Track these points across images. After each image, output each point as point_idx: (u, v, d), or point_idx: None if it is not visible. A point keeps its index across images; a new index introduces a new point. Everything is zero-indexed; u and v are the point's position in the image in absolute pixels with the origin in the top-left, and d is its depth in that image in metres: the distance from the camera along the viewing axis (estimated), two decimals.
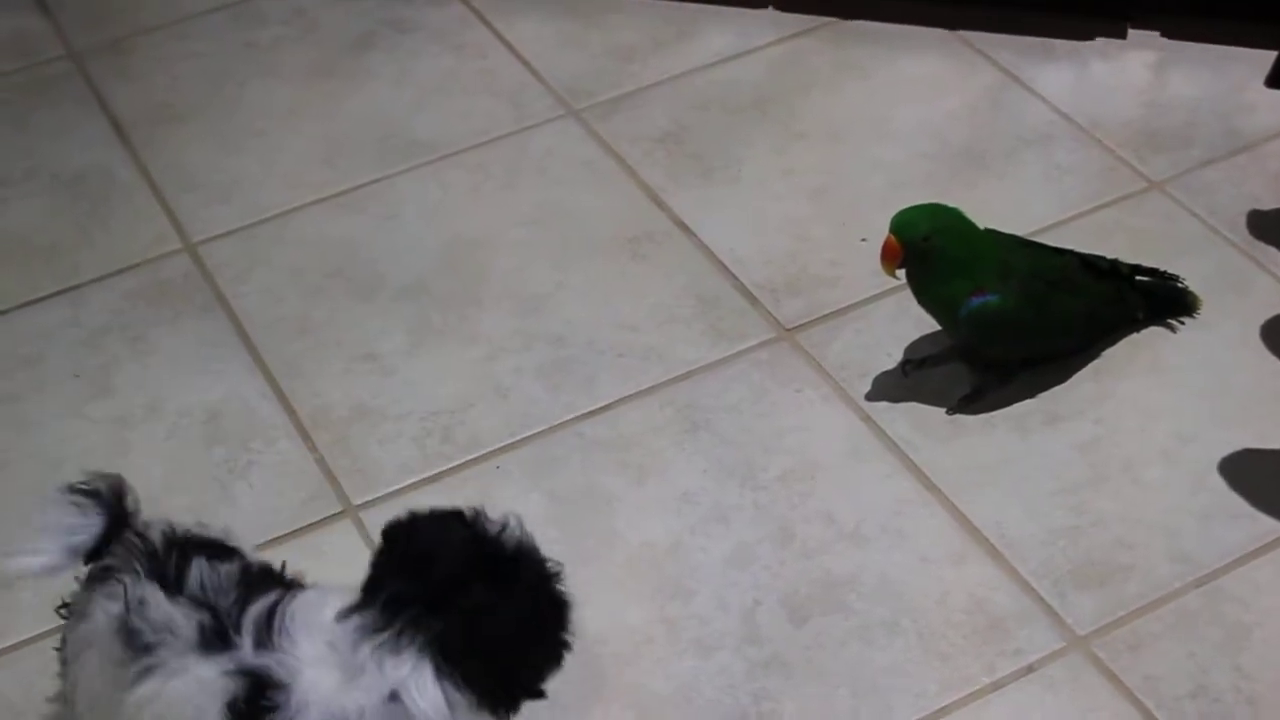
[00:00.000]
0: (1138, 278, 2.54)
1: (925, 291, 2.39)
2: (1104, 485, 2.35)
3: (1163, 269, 2.57)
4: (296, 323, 2.64)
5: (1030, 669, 2.14)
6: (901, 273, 2.39)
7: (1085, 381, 2.49)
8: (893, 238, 2.33)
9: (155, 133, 3.02)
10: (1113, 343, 2.53)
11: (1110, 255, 2.53)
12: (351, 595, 1.72)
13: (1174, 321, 2.56)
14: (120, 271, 2.75)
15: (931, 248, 2.33)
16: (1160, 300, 2.56)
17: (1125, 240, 2.63)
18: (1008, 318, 2.36)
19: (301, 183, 2.90)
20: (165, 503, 2.32)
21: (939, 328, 2.49)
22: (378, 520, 2.27)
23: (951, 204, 2.38)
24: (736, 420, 2.46)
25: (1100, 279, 2.48)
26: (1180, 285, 2.57)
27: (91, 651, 1.78)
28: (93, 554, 1.83)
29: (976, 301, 2.34)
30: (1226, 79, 3.00)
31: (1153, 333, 2.55)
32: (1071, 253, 2.49)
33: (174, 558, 1.76)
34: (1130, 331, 2.55)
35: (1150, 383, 2.49)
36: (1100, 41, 3.10)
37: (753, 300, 2.64)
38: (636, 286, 2.68)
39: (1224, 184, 2.80)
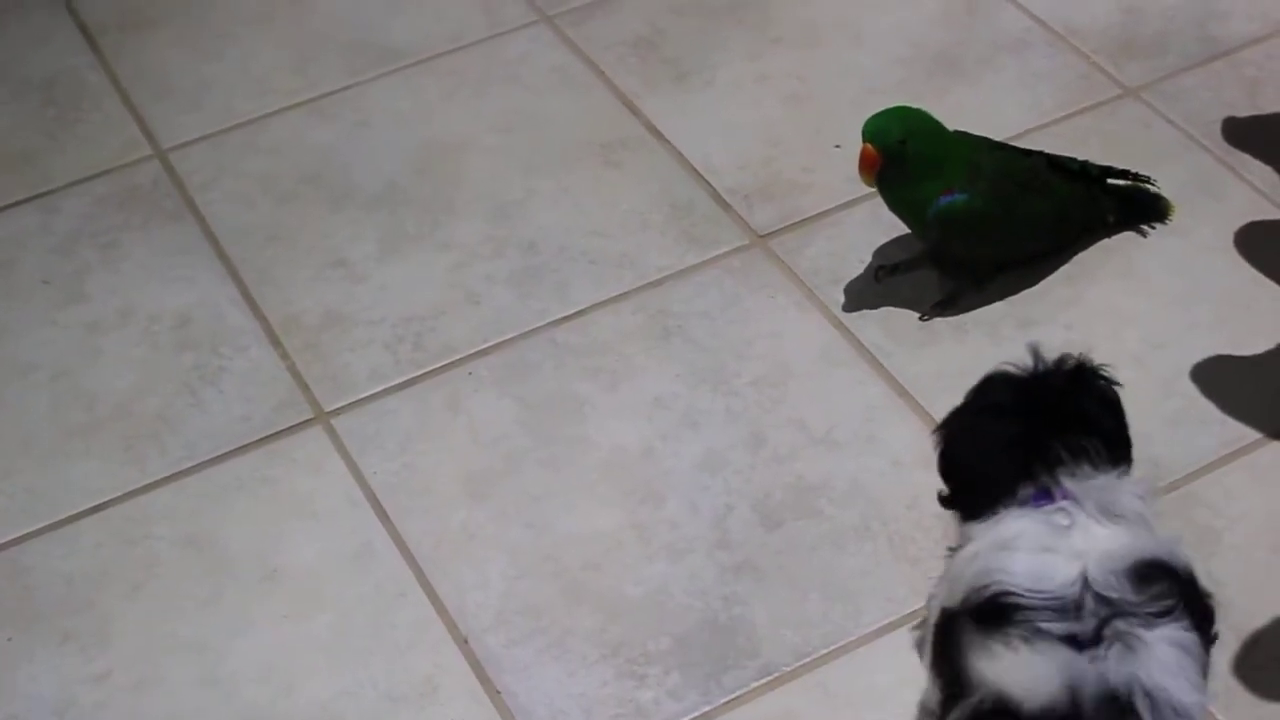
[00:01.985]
0: (1109, 181, 2.54)
1: (896, 195, 2.38)
2: None
3: (1134, 170, 2.55)
4: (267, 229, 2.63)
5: None
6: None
7: (1057, 286, 2.49)
8: (870, 146, 2.32)
9: (125, 38, 2.99)
10: (1084, 247, 2.53)
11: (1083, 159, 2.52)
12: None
13: (1146, 226, 2.56)
14: (91, 178, 2.73)
15: (906, 151, 2.32)
16: (1132, 204, 2.56)
17: (1100, 147, 2.62)
18: (976, 216, 2.35)
19: (272, 89, 2.87)
20: (136, 408, 2.33)
21: (911, 234, 2.48)
22: (349, 426, 2.31)
23: (928, 110, 2.36)
24: (709, 326, 2.45)
25: (1070, 180, 2.48)
26: (1153, 189, 2.57)
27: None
28: None
29: (945, 200, 2.34)
30: None
31: (1125, 238, 2.55)
32: (1040, 154, 2.49)
33: None
34: (1102, 235, 2.55)
35: (1123, 288, 2.49)
36: None
37: (725, 206, 2.63)
38: (609, 193, 2.66)
39: (1200, 90, 2.79)
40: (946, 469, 1.82)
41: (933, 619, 1.74)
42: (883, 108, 2.38)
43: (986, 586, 1.62)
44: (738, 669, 2.07)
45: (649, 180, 2.68)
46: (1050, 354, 1.79)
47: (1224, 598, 2.05)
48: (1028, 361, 1.78)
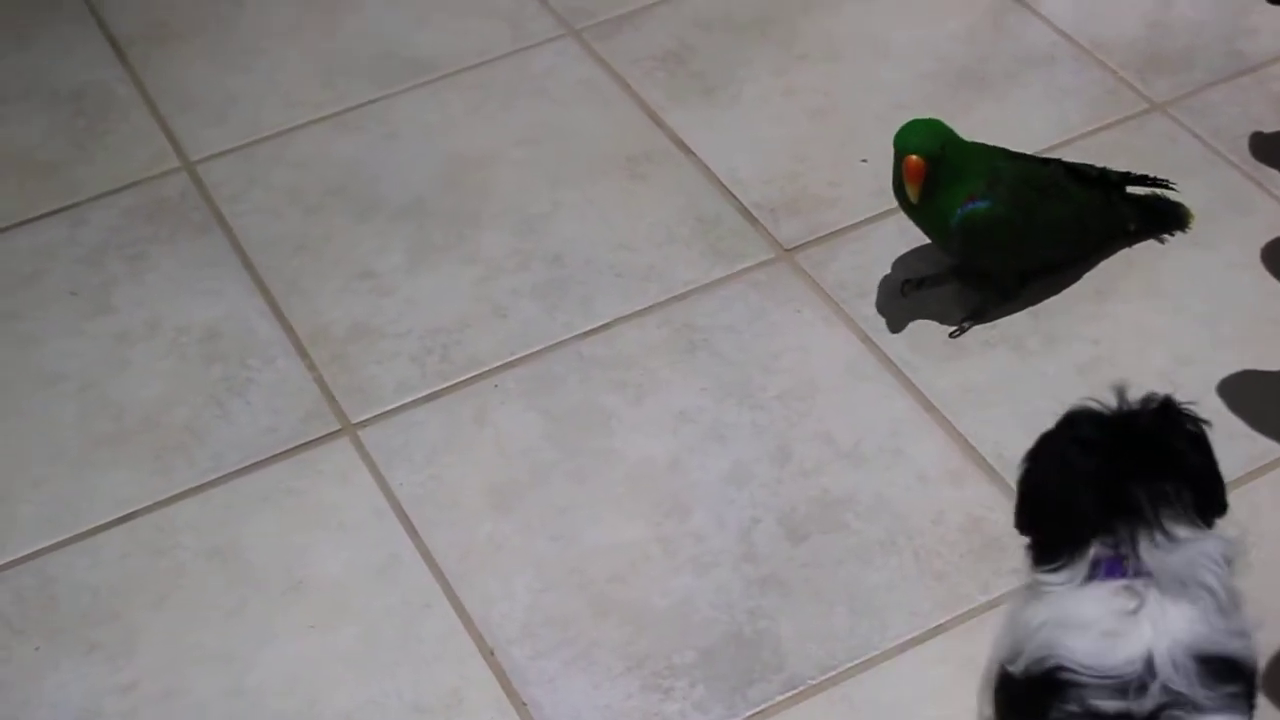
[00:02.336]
0: (1129, 189, 2.54)
1: (924, 206, 2.37)
2: None
3: (1152, 175, 2.55)
4: (295, 241, 2.64)
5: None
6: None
7: (1083, 302, 2.49)
8: (915, 158, 2.31)
9: (153, 51, 3.00)
10: (1106, 255, 2.53)
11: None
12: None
13: (1166, 235, 2.56)
14: (119, 190, 2.74)
15: (943, 160, 2.31)
16: (1152, 212, 2.56)
17: (1127, 162, 2.61)
18: (997, 223, 2.35)
19: (300, 102, 2.88)
20: (163, 419, 2.34)
21: (937, 249, 2.48)
22: (375, 438, 2.31)
23: (952, 125, 2.36)
24: (735, 340, 2.46)
25: (1088, 187, 2.48)
26: (1172, 194, 2.57)
27: None
28: None
29: (968, 208, 2.34)
30: (1229, 1, 2.98)
31: (1152, 253, 2.55)
32: (1058, 161, 2.49)
33: None
34: (1123, 244, 2.55)
35: (1149, 304, 2.49)
36: None
37: (752, 220, 2.63)
38: (635, 206, 2.67)
39: (1226, 106, 2.79)
40: (1023, 506, 1.78)
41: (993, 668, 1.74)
42: (906, 120, 2.38)
43: (1046, 659, 1.61)
44: (763, 682, 2.07)
45: (675, 194, 2.68)
46: (1134, 392, 1.75)
47: (1252, 615, 2.05)
48: (1110, 399, 1.74)
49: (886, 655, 2.09)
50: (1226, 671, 1.59)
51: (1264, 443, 2.30)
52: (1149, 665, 1.57)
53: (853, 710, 2.04)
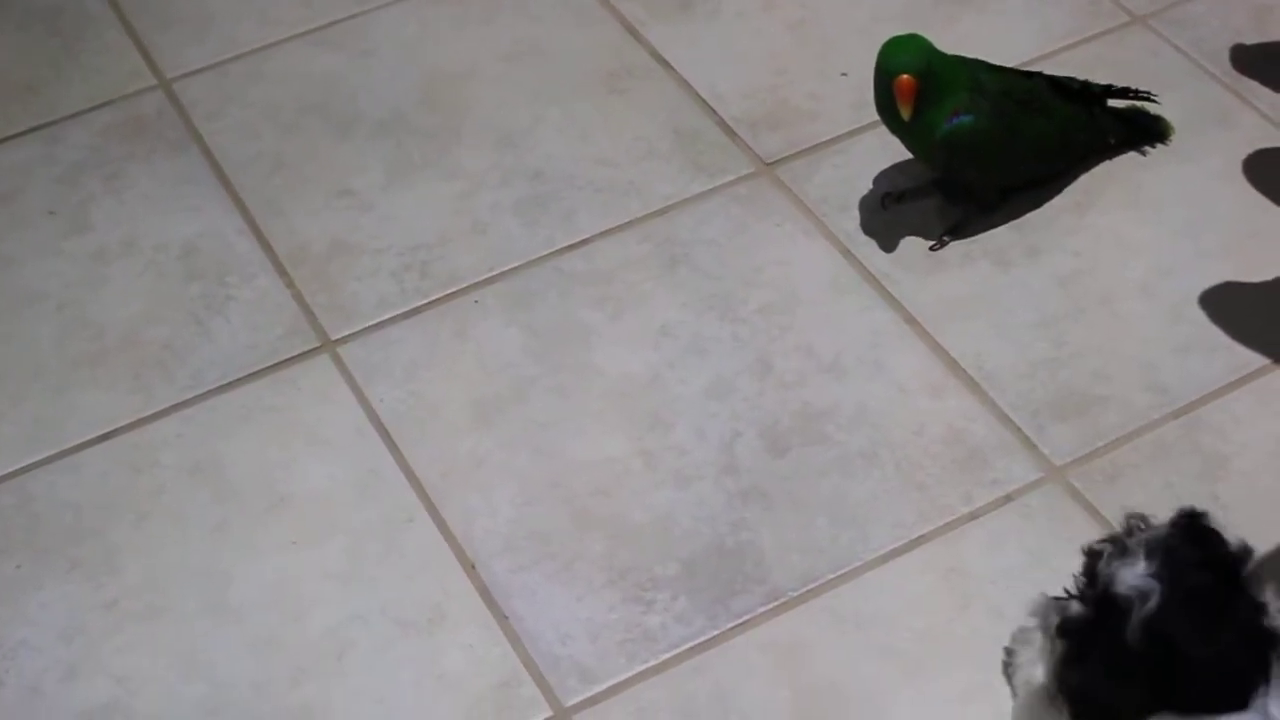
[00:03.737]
0: (1110, 102, 2.53)
1: (909, 122, 2.35)
2: (1083, 317, 2.35)
3: (1135, 87, 2.54)
4: (273, 159, 2.62)
5: (1008, 499, 2.15)
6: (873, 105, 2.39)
7: (1064, 214, 2.48)
8: (907, 78, 2.29)
9: None
10: (1087, 169, 2.53)
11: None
12: None
13: (1147, 148, 2.56)
14: (95, 108, 2.72)
15: (928, 77, 2.30)
16: (1133, 125, 2.56)
17: (1108, 75, 2.60)
18: (981, 138, 2.34)
19: (277, 19, 2.86)
20: (142, 337, 2.33)
21: (918, 163, 2.48)
22: (356, 354, 2.31)
23: (933, 39, 2.35)
24: (715, 254, 2.45)
25: (1070, 101, 2.47)
26: (1153, 107, 2.58)
27: None
28: None
29: (952, 122, 2.33)
30: None
31: (1133, 165, 2.54)
32: (1040, 75, 2.48)
33: None
34: (1104, 157, 2.54)
35: (1130, 216, 2.48)
36: None
37: (732, 135, 2.62)
38: (615, 122, 2.65)
39: (1208, 18, 2.78)
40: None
41: None
42: (888, 36, 2.36)
43: None
44: (745, 594, 2.07)
45: (655, 109, 2.67)
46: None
47: (1232, 523, 2.06)
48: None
49: (869, 566, 2.10)
50: None
51: (1244, 353, 2.30)
52: None
53: (836, 621, 2.05)
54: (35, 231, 2.53)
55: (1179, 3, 2.80)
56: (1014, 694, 1.92)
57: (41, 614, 2.08)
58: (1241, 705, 1.60)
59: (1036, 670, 1.78)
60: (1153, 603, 1.62)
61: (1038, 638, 1.79)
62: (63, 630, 2.07)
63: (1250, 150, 2.56)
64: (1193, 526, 1.72)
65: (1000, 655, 1.97)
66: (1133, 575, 1.65)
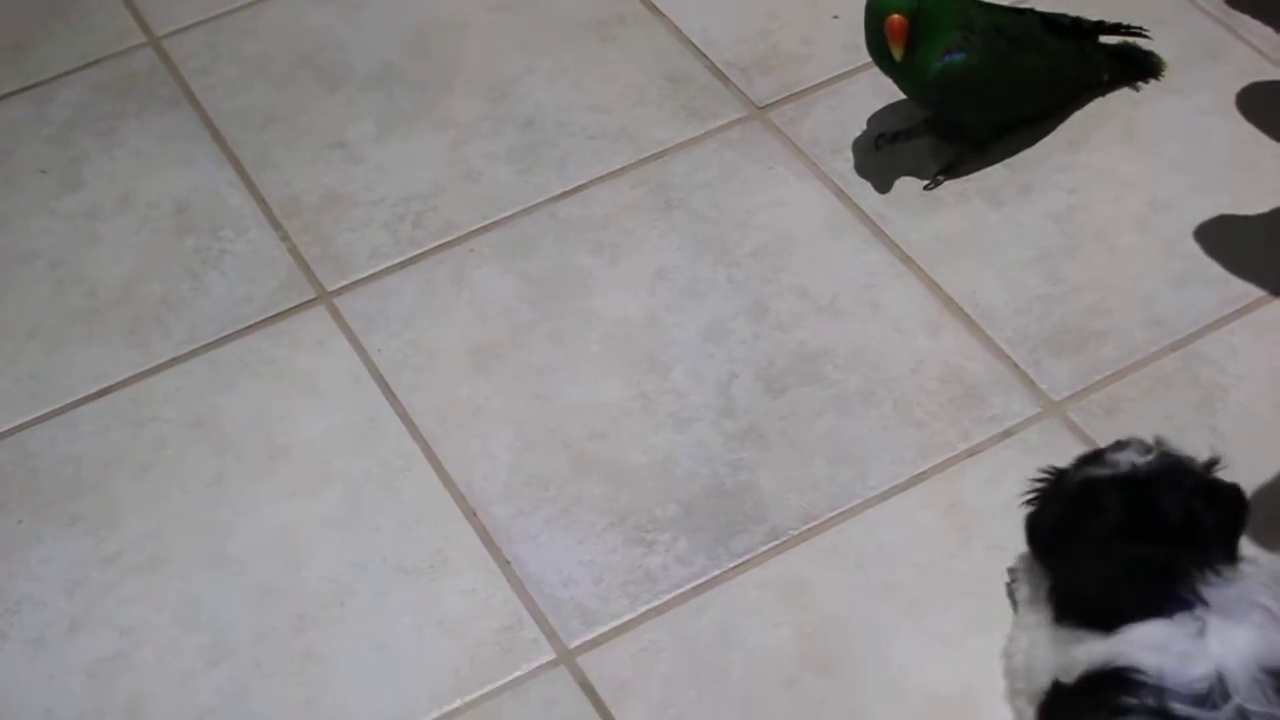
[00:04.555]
0: (1101, 38, 2.52)
1: (902, 61, 2.34)
2: (1078, 253, 2.35)
3: (1126, 23, 2.54)
4: (264, 113, 2.62)
5: (1006, 434, 2.16)
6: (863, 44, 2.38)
7: (1058, 151, 2.48)
8: (898, 18, 2.27)
9: None
10: (1080, 106, 2.52)
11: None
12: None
13: (1140, 84, 2.55)
14: (85, 67, 2.71)
15: (920, 15, 2.29)
16: (1125, 61, 2.55)
17: (1099, 12, 2.58)
18: (973, 75, 2.34)
19: None
20: (138, 292, 2.33)
21: (911, 103, 2.47)
22: (351, 305, 2.31)
23: None
24: (709, 198, 2.45)
25: (1062, 37, 2.46)
26: (1145, 43, 2.57)
27: None
28: None
29: (944, 60, 2.32)
30: None
31: (1126, 101, 2.54)
32: (1031, 11, 2.48)
33: None
34: (1096, 94, 2.54)
35: (1124, 151, 2.48)
36: None
37: (724, 79, 2.62)
38: (606, 69, 2.65)
39: None
40: (1065, 589, 1.77)
41: (1030, 686, 1.75)
42: None
43: (1113, 662, 1.61)
44: (745, 534, 2.08)
45: (646, 55, 2.66)
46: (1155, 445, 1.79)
47: (1230, 453, 2.06)
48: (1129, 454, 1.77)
49: (868, 504, 2.10)
50: None
51: (1239, 285, 2.30)
52: (1222, 682, 1.57)
53: (836, 559, 2.05)
54: (28, 190, 2.53)
55: None
56: (1015, 610, 1.92)
57: (43, 568, 2.09)
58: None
59: (1040, 587, 1.80)
60: (1127, 468, 1.75)
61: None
62: (65, 584, 2.07)
63: (1242, 84, 2.56)
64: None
65: (1001, 588, 1.98)
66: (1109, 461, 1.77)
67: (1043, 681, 1.70)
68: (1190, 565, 1.64)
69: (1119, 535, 1.72)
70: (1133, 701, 1.58)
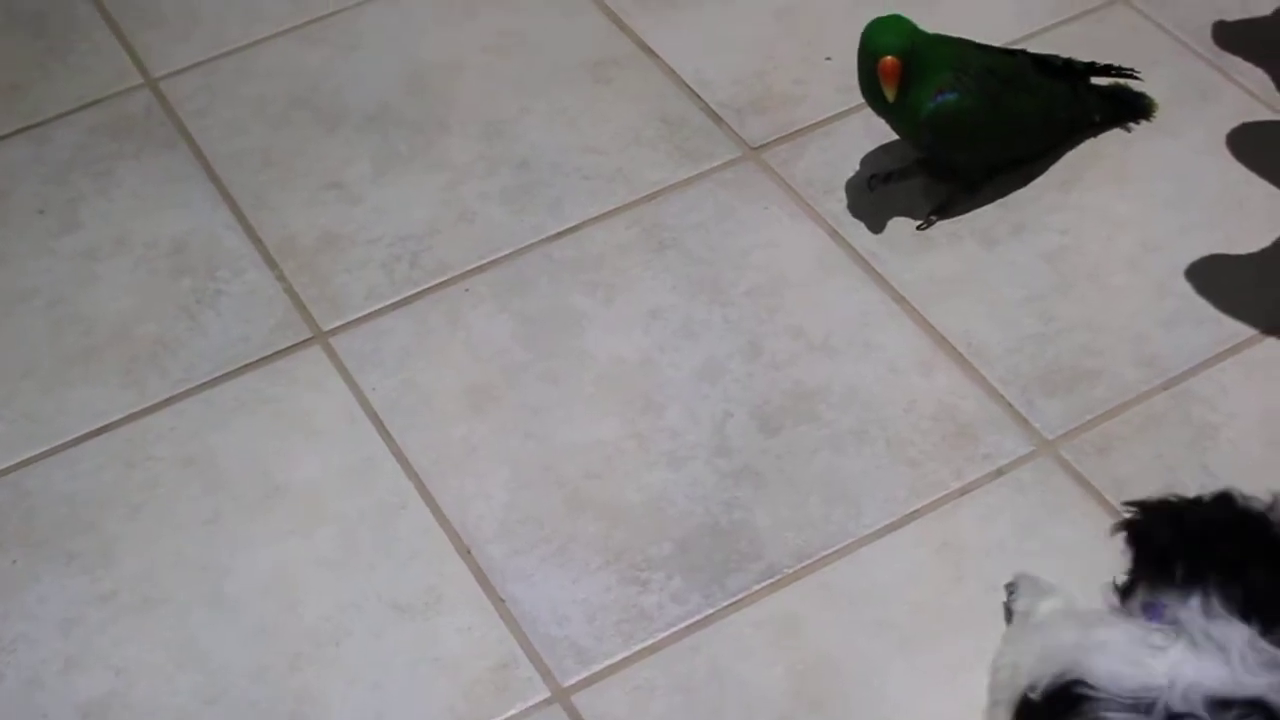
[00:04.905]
0: (1093, 79, 2.54)
1: (895, 102, 2.35)
2: (1070, 293, 2.36)
3: (1117, 65, 2.55)
4: (261, 154, 2.63)
5: (999, 473, 2.16)
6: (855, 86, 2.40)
7: (1050, 191, 2.49)
8: (891, 59, 2.29)
9: None
10: (1072, 147, 2.54)
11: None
12: None
13: (1132, 124, 2.57)
14: (83, 108, 2.72)
15: (912, 56, 2.30)
16: (1117, 102, 2.57)
17: (1091, 53, 2.60)
18: (966, 115, 2.35)
19: (263, 16, 2.86)
20: (134, 332, 2.34)
21: (904, 144, 2.49)
22: (347, 345, 2.32)
23: (918, 21, 2.35)
24: (704, 238, 2.46)
25: (1054, 79, 2.48)
26: (1136, 84, 2.59)
27: None
28: None
29: (937, 100, 2.33)
30: None
31: (1118, 142, 2.55)
32: (1023, 53, 2.49)
33: None
34: (1088, 135, 2.55)
35: (1116, 192, 2.49)
36: None
37: (718, 120, 2.63)
38: (601, 110, 2.66)
39: None
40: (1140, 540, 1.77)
41: (1012, 686, 1.75)
42: (871, 19, 2.36)
43: (1066, 675, 1.62)
44: (740, 572, 2.08)
45: (641, 97, 2.68)
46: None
47: None
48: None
49: (862, 542, 2.11)
50: (1246, 711, 1.58)
51: (1231, 325, 2.31)
52: (1163, 700, 1.57)
53: (830, 596, 2.06)
54: (26, 230, 2.54)
55: None
56: (1009, 621, 1.95)
57: (39, 607, 2.09)
58: None
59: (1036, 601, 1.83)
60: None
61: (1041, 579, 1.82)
62: (60, 623, 2.08)
63: (1233, 125, 2.58)
64: None
65: (994, 625, 1.98)
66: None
67: (1022, 683, 1.71)
68: (1187, 586, 1.64)
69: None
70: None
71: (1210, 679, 1.58)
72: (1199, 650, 1.60)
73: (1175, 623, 1.61)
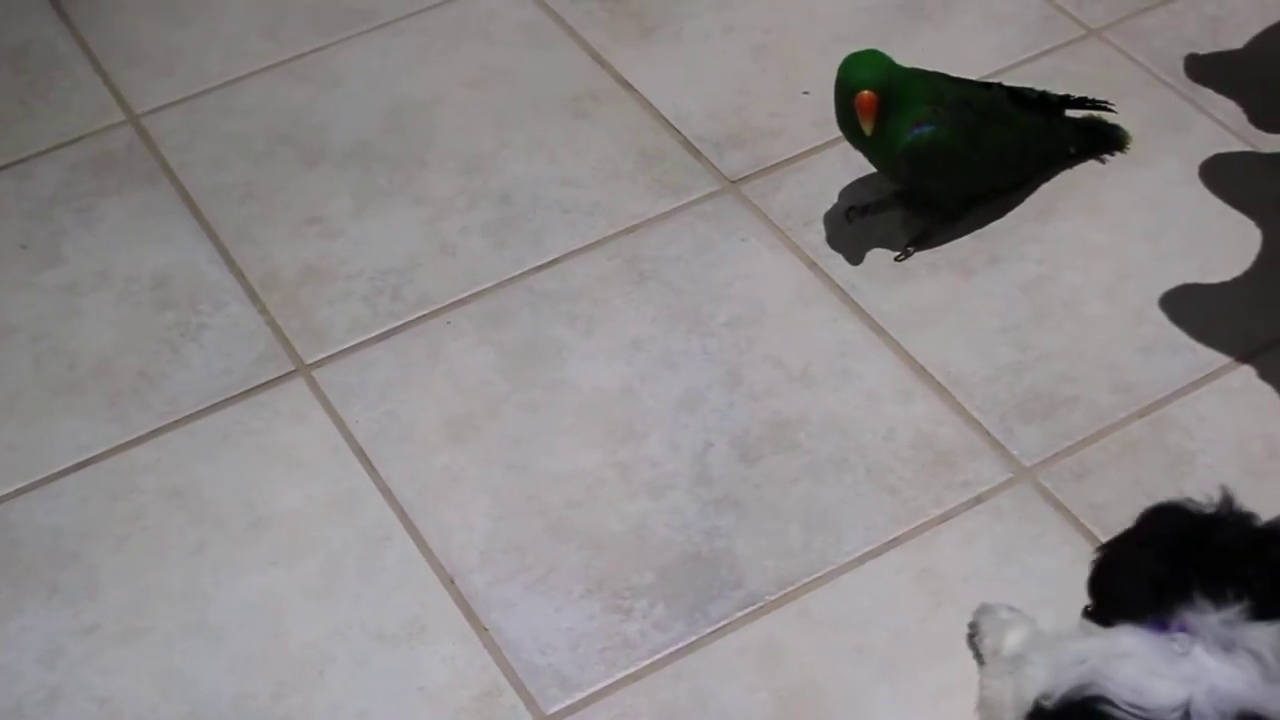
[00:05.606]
0: (1068, 111, 2.57)
1: (872, 134, 2.37)
2: (1047, 322, 2.38)
3: (1092, 97, 2.58)
4: (243, 189, 2.64)
5: (978, 500, 2.18)
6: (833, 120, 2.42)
7: (1026, 222, 2.52)
8: (868, 93, 2.31)
9: (95, 6, 2.99)
10: (1047, 178, 2.57)
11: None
12: None
13: (1106, 156, 2.60)
14: (65, 144, 2.74)
15: (889, 90, 2.33)
16: (1091, 134, 2.60)
17: (1065, 87, 2.63)
18: (943, 147, 2.37)
19: (244, 52, 2.88)
20: (117, 365, 2.35)
21: (882, 176, 2.51)
22: (330, 377, 2.34)
23: (893, 56, 2.38)
24: (683, 270, 2.48)
25: (1029, 111, 2.51)
26: (1110, 116, 2.62)
27: None
28: None
29: (914, 133, 2.36)
30: None
31: (1092, 174, 2.58)
32: (999, 85, 2.52)
33: None
34: (1063, 166, 2.58)
35: (1091, 222, 2.52)
36: None
37: (696, 154, 2.65)
38: (580, 144, 2.68)
39: (1162, 30, 2.82)
40: (1092, 588, 1.78)
41: (1016, 699, 1.75)
42: (847, 54, 2.39)
43: (1087, 688, 1.60)
44: (722, 599, 2.09)
45: (620, 131, 2.70)
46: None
47: None
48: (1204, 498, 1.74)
49: (843, 569, 2.12)
50: None
51: (1205, 353, 2.34)
52: (1187, 709, 1.56)
53: (811, 623, 2.07)
54: (8, 265, 2.55)
55: (1133, 16, 2.84)
56: (980, 661, 1.95)
57: (22, 638, 2.10)
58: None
59: (1001, 637, 1.82)
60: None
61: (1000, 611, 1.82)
62: (43, 654, 2.08)
63: (1206, 155, 2.60)
64: None
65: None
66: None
67: (1031, 694, 1.68)
68: (1191, 590, 1.62)
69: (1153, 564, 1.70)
70: None
71: (1242, 688, 1.57)
72: (1226, 656, 1.58)
73: (1194, 632, 1.60)
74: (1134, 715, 1.57)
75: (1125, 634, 1.63)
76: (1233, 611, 1.60)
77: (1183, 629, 1.61)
